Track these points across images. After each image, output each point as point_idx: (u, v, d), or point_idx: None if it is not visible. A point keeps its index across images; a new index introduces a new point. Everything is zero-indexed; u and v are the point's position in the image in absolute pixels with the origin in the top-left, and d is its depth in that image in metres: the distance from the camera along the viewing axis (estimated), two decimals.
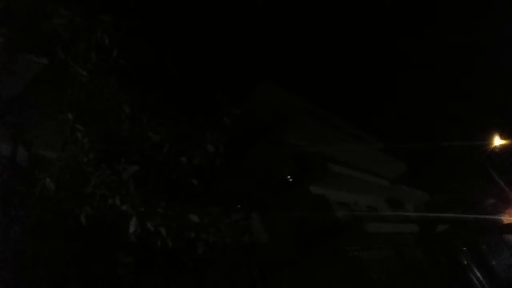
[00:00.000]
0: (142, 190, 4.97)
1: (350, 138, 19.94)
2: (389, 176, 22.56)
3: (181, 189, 5.76)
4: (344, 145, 18.88)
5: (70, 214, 4.81)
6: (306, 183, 16.40)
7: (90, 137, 4.61)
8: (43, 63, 5.83)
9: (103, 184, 4.45)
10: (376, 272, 11.76)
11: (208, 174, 6.22)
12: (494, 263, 16.14)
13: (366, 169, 19.85)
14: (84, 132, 4.63)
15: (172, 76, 7.72)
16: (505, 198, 22.53)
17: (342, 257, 11.54)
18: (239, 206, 7.31)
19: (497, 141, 21.73)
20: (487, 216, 20.05)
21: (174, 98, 6.85)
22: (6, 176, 6.02)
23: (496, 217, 20.36)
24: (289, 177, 17.23)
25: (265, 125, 16.60)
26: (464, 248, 16.10)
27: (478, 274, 14.65)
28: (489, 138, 21.75)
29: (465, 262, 15.12)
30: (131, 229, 4.49)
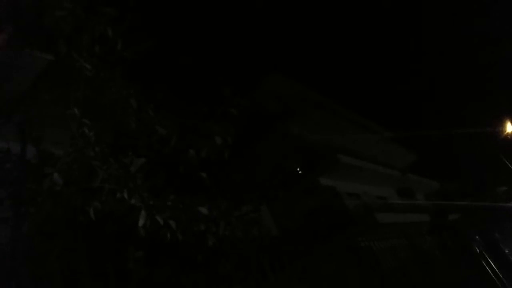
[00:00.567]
0: (151, 184, 4.95)
1: (359, 128, 19.80)
2: (399, 165, 22.39)
3: (190, 182, 5.73)
4: (353, 136, 18.77)
5: (80, 209, 4.80)
6: (315, 174, 16.34)
7: (96, 130, 4.59)
8: (49, 59, 5.82)
9: (111, 178, 4.43)
10: (388, 261, 11.69)
11: (217, 167, 6.19)
12: (507, 251, 15.98)
13: (376, 160, 19.71)
14: (90, 126, 4.61)
15: (178, 68, 7.68)
16: None
17: (353, 248, 11.49)
18: (248, 198, 7.27)
19: (510, 127, 21.43)
20: (499, 204, 19.82)
21: (180, 90, 6.80)
22: (16, 174, 6.04)
23: (509, 204, 20.12)
24: (298, 169, 17.18)
25: (274, 117, 16.52)
26: (477, 237, 15.97)
27: (491, 262, 14.52)
28: (501, 125, 21.46)
29: (478, 250, 14.99)
30: (141, 222, 4.48)
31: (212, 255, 5.51)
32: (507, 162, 22.16)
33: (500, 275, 13.91)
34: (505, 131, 21.39)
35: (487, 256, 14.63)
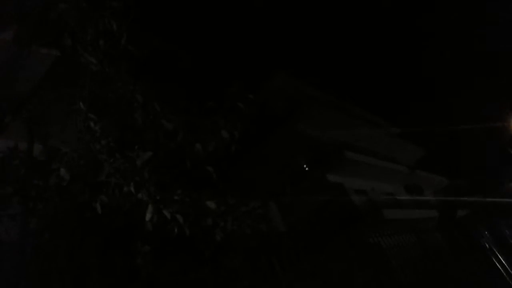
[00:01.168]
0: (158, 178, 4.94)
1: (366, 124, 19.72)
2: (407, 161, 22.26)
3: (197, 177, 5.71)
4: (360, 132, 18.68)
5: (87, 205, 4.80)
6: (322, 171, 16.28)
7: (102, 124, 4.58)
8: (55, 55, 5.83)
9: (117, 172, 4.42)
10: (397, 257, 11.61)
11: (224, 162, 6.16)
12: None
13: (384, 156, 19.62)
14: (96, 120, 4.60)
15: (183, 63, 7.66)
16: None
17: (361, 244, 11.43)
18: (256, 194, 7.25)
19: None
20: (509, 200, 19.62)
21: (187, 85, 6.78)
22: (24, 170, 6.07)
23: None
24: (305, 166, 17.14)
25: (281, 114, 16.50)
26: (486, 232, 15.81)
27: (501, 258, 14.38)
28: (510, 119, 21.23)
29: (487, 246, 14.85)
30: (148, 217, 4.46)
31: (220, 250, 5.48)
32: None
33: (510, 271, 13.77)
34: None
35: (496, 252, 14.50)
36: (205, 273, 5.39)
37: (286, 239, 10.43)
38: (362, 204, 15.94)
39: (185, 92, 6.55)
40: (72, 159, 4.85)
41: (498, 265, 14.13)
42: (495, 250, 14.76)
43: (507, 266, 14.00)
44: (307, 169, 17.12)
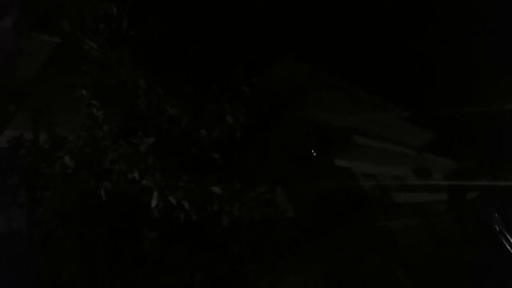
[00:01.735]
0: (163, 164, 4.90)
1: (374, 108, 19.48)
2: (416, 145, 22.06)
3: (202, 163, 5.66)
4: (368, 116, 18.48)
5: (93, 192, 4.79)
6: (330, 156, 16.17)
7: (105, 111, 4.53)
8: (56, 42, 5.76)
9: (121, 159, 4.38)
10: (405, 240, 11.59)
11: (230, 147, 6.10)
12: None
13: (392, 139, 19.43)
14: (99, 107, 4.55)
15: (188, 49, 7.56)
16: None
17: (370, 227, 11.41)
18: (263, 179, 7.19)
19: None
20: None
21: (191, 69, 6.69)
22: (30, 159, 6.07)
23: None
24: (312, 151, 17.03)
25: (287, 99, 16.35)
26: (496, 215, 15.72)
27: (511, 240, 14.32)
28: None
29: (497, 228, 14.78)
30: (153, 203, 4.43)
31: (227, 235, 5.46)
32: None
33: None
34: None
35: (507, 234, 14.43)
36: (212, 259, 5.37)
37: (294, 224, 10.41)
38: (371, 188, 15.86)
39: (189, 76, 6.46)
40: (76, 146, 4.82)
41: (508, 247, 14.07)
42: (505, 232, 14.70)
43: None
44: (314, 154, 17.02)
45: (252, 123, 6.82)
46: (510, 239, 14.47)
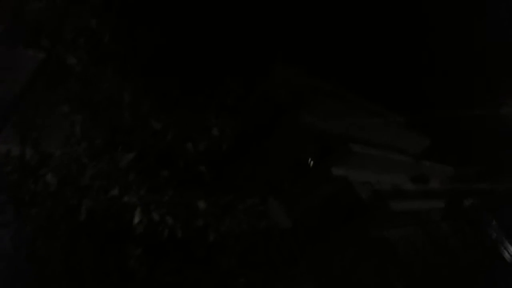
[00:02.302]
0: (146, 179, 4.82)
1: (370, 115, 19.43)
2: (413, 151, 21.98)
3: (189, 177, 5.59)
4: (364, 124, 18.43)
5: (78, 208, 4.71)
6: (327, 164, 16.10)
7: (86, 126, 4.46)
8: (41, 58, 5.71)
9: (100, 175, 4.31)
10: (403, 249, 11.48)
11: (217, 160, 6.03)
12: None
13: (388, 146, 19.34)
14: (81, 123, 4.49)
15: (171, 59, 7.48)
16: None
17: (366, 237, 11.31)
18: (255, 190, 7.11)
19: None
20: None
21: (175, 82, 6.61)
22: (17, 176, 5.99)
23: None
24: (309, 159, 16.96)
25: (283, 107, 16.30)
26: (494, 222, 15.62)
27: (509, 247, 14.22)
28: None
29: (495, 235, 14.67)
30: (136, 220, 4.36)
31: (214, 250, 5.36)
32: None
33: None
34: None
35: (504, 241, 14.33)
36: (200, 273, 5.27)
37: (288, 235, 10.31)
38: (368, 196, 15.77)
39: (175, 89, 6.39)
40: (61, 163, 4.76)
41: (506, 253, 13.97)
42: (503, 238, 14.61)
43: None
44: (311, 162, 16.95)
45: (245, 132, 6.77)
46: (508, 245, 14.37)
